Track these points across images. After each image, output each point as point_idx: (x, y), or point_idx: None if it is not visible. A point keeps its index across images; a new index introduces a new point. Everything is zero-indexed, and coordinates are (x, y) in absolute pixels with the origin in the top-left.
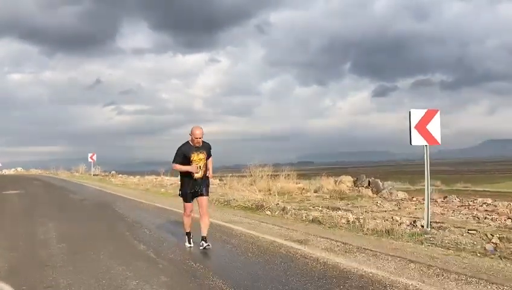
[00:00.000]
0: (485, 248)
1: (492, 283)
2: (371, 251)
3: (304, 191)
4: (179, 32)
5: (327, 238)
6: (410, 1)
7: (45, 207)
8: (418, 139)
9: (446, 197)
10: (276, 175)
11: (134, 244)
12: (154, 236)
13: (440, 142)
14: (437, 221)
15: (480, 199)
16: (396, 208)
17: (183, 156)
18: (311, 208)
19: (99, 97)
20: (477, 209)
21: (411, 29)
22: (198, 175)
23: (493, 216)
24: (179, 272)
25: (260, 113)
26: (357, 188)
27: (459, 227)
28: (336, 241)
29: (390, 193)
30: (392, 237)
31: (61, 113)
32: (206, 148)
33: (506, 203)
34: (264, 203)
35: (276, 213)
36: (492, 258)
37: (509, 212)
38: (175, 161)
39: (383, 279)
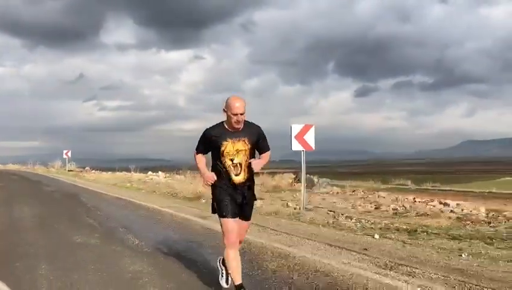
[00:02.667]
0: (328, 222)
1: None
2: (273, 230)
3: (256, 185)
4: (164, 28)
5: None
6: (393, 3)
7: (21, 196)
8: (297, 146)
9: (354, 190)
10: None
11: (86, 220)
12: (103, 215)
13: (314, 148)
14: (318, 206)
15: (382, 193)
16: (318, 198)
17: (209, 144)
18: None
19: (81, 92)
20: (368, 201)
21: (393, 31)
22: (238, 179)
23: (367, 205)
24: (110, 233)
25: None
26: (294, 183)
27: (331, 210)
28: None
29: (324, 188)
30: (277, 216)
31: (41, 108)
32: (250, 134)
33: (407, 197)
34: (202, 195)
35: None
36: (328, 228)
37: (390, 203)
38: (198, 149)
39: (260, 244)
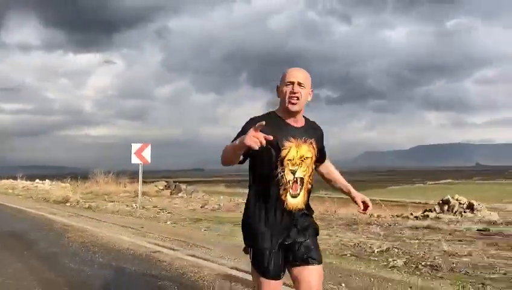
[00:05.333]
0: (149, 216)
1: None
2: (96, 219)
3: (125, 192)
4: (73, 30)
5: (76, 214)
6: (304, 21)
7: None
8: (135, 160)
9: (204, 195)
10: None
11: None
12: None
13: (149, 162)
14: (156, 206)
15: (222, 197)
16: (166, 201)
17: (264, 146)
18: (104, 201)
19: None
20: (204, 203)
21: (303, 46)
22: (294, 202)
23: (197, 205)
24: None
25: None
26: (162, 190)
27: (162, 209)
28: (80, 215)
29: (191, 194)
30: (117, 213)
31: None
32: (316, 135)
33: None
34: (69, 199)
35: (74, 204)
36: (143, 219)
37: (219, 204)
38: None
39: (98, 233)
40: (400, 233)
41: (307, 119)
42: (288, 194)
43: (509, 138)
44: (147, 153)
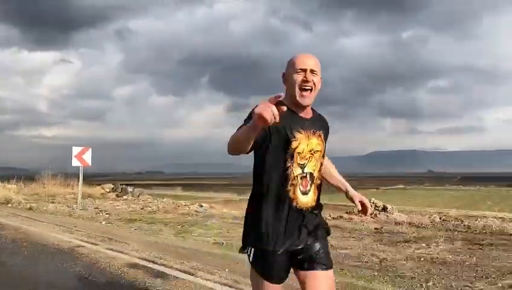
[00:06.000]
0: (87, 217)
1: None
2: (33, 219)
3: (71, 194)
4: (29, 27)
5: (15, 214)
6: (265, 27)
7: None
8: (76, 163)
9: (139, 196)
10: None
11: None
12: None
13: (90, 164)
14: (97, 207)
15: (171, 200)
16: (109, 203)
17: (264, 134)
18: (46, 202)
19: None
20: (146, 205)
21: (264, 51)
22: (305, 200)
23: (137, 207)
24: None
25: (112, 119)
26: (108, 192)
27: (101, 210)
28: (19, 215)
29: (137, 196)
30: (56, 214)
31: None
32: (324, 128)
33: (187, 202)
34: (11, 200)
35: (15, 205)
36: (80, 219)
37: (159, 206)
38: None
39: (31, 231)
40: None
41: (314, 110)
42: (298, 190)
43: (459, 145)
44: (88, 157)
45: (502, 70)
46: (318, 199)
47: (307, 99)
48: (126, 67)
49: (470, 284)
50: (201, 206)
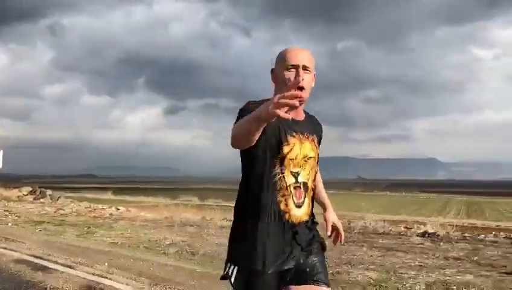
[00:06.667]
0: None
1: None
2: None
3: None
4: None
5: None
6: (204, 31)
7: None
8: None
9: (58, 199)
10: None
11: None
12: None
13: (1, 167)
14: (7, 209)
15: (87, 204)
16: (23, 206)
17: (261, 136)
18: None
19: None
20: (59, 207)
21: (203, 55)
22: (299, 213)
23: (51, 210)
24: None
25: (42, 119)
26: (26, 195)
27: (10, 212)
28: None
29: (57, 199)
30: None
31: None
32: (317, 131)
33: (102, 206)
34: None
35: None
36: None
37: (72, 209)
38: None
39: None
40: (199, 232)
41: (306, 113)
42: (291, 202)
43: (387, 153)
44: None
45: (429, 82)
46: (312, 212)
47: (300, 97)
48: (58, 64)
49: None
50: (118, 209)
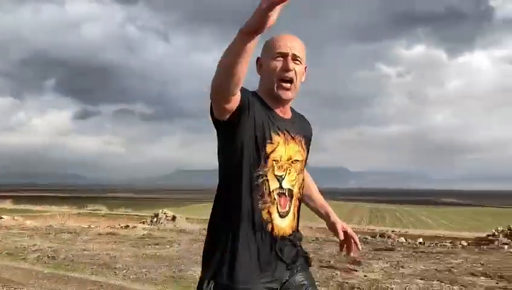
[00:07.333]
0: None
1: None
2: None
3: None
4: None
5: None
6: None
7: None
8: None
9: None
10: None
11: None
12: None
13: None
14: None
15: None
16: None
17: (240, 115)
18: None
19: None
20: None
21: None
22: (283, 225)
23: None
24: None
25: None
26: None
27: None
28: None
29: None
30: None
31: None
32: (306, 130)
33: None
34: None
35: None
36: None
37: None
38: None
39: None
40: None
41: (293, 111)
42: (275, 211)
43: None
44: None
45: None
46: (297, 224)
47: (289, 93)
48: None
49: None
50: (1, 218)
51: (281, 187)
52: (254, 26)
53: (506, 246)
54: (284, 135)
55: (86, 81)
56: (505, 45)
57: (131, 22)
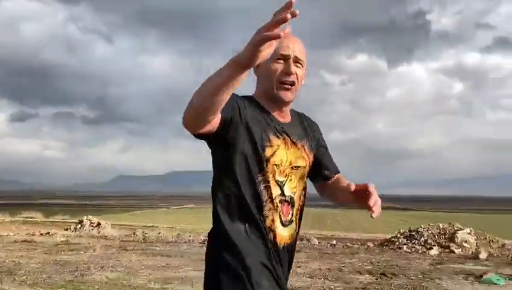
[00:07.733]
0: None
1: None
2: None
3: None
4: None
5: None
6: (62, 33)
7: None
8: None
9: None
10: None
11: None
12: None
13: None
14: None
15: None
16: None
17: (233, 125)
18: None
19: None
20: None
21: (59, 59)
22: (286, 234)
23: None
24: None
25: None
26: None
27: None
28: None
29: None
30: None
31: None
32: (305, 134)
33: None
34: None
35: None
36: None
37: None
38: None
39: None
40: None
41: (294, 113)
42: (277, 219)
43: None
44: None
45: None
46: (297, 234)
47: (290, 94)
48: None
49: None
50: None
51: (283, 194)
52: (245, 61)
53: (404, 247)
54: (284, 138)
55: (24, 81)
56: (440, 57)
57: (72, 22)
